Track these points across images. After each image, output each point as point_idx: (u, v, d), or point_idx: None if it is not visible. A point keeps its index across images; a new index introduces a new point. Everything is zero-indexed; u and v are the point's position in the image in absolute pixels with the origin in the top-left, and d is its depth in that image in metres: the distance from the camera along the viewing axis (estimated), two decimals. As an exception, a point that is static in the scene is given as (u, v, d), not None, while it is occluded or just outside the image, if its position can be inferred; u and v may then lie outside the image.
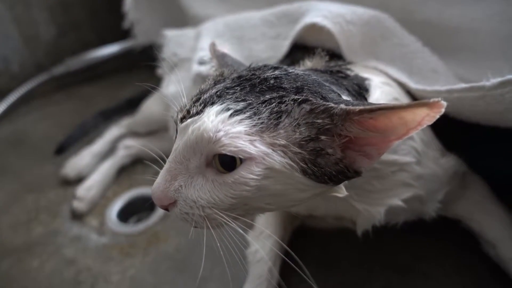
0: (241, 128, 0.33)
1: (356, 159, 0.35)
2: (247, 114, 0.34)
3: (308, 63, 0.48)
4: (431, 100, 0.30)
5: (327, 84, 0.39)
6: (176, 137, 0.39)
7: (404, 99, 0.52)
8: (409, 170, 0.46)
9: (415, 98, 0.54)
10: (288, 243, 0.60)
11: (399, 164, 0.45)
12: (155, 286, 0.64)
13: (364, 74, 0.48)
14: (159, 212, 0.77)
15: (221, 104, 0.35)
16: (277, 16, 0.68)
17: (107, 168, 0.86)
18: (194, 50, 0.74)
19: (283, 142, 0.34)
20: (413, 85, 0.53)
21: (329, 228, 0.57)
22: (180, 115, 0.38)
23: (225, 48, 0.69)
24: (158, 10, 1.02)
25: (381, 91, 0.46)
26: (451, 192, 0.53)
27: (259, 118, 0.34)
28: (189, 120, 0.36)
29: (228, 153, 0.33)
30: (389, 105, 0.32)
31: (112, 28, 1.15)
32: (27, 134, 1.07)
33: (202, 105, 0.36)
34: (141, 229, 0.75)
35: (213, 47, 0.47)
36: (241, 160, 0.34)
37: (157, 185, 0.36)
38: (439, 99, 0.30)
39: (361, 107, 0.33)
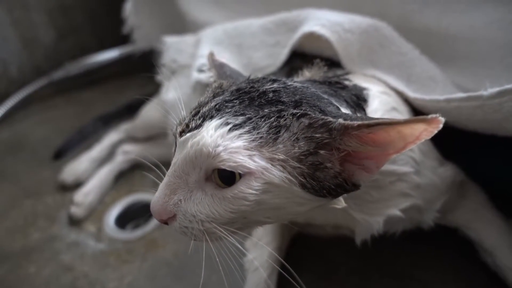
0: (240, 143, 0.33)
1: (355, 173, 0.36)
2: (246, 128, 0.34)
3: (306, 74, 0.48)
4: (429, 116, 0.30)
5: (325, 96, 0.39)
6: (175, 150, 0.39)
7: (402, 108, 0.52)
8: (407, 180, 0.46)
9: (413, 107, 0.54)
10: (286, 251, 0.60)
11: (397, 174, 0.45)
12: (153, 293, 0.63)
13: (362, 83, 0.48)
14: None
15: (220, 118, 0.35)
16: (276, 24, 0.69)
17: (105, 173, 0.86)
18: (193, 57, 0.74)
19: (282, 156, 0.34)
20: (411, 94, 0.53)
21: (327, 236, 0.57)
22: (179, 129, 0.38)
23: (224, 55, 0.69)
24: (157, 15, 1.03)
25: (379, 101, 0.47)
26: (449, 201, 0.53)
27: (258, 133, 0.34)
28: (188, 134, 0.36)
29: (228, 168, 0.33)
30: (387, 120, 0.32)
31: (112, 33, 1.15)
32: (26, 139, 1.07)
33: (201, 119, 0.36)
34: (139, 235, 0.74)
35: (211, 57, 0.48)
36: (240, 175, 0.34)
37: (156, 199, 0.36)
38: (438, 115, 0.30)
39: (360, 122, 0.33)
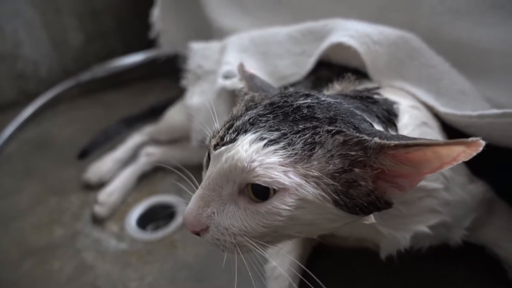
0: (275, 159, 0.34)
1: (387, 190, 0.35)
2: (281, 144, 0.34)
3: (337, 87, 0.48)
4: (470, 139, 0.30)
5: (358, 112, 0.39)
6: (207, 162, 0.39)
7: (433, 123, 0.51)
8: (436, 196, 0.45)
9: (443, 121, 0.54)
10: (308, 261, 0.60)
11: (427, 190, 0.45)
12: (172, 295, 0.64)
13: (392, 97, 0.48)
14: (178, 220, 0.78)
15: (254, 133, 0.35)
16: (302, 33, 0.69)
17: (128, 174, 0.88)
18: (219, 63, 0.75)
19: (316, 173, 0.34)
20: (441, 108, 0.53)
21: (350, 247, 0.56)
22: (213, 142, 0.38)
23: (249, 63, 0.70)
24: (184, 21, 1.05)
25: (409, 116, 0.46)
26: (478, 218, 0.52)
27: (293, 149, 0.34)
28: (222, 148, 0.36)
29: (262, 184, 0.34)
30: (426, 142, 0.32)
31: (138, 37, 1.18)
32: (53, 138, 1.10)
33: (236, 132, 0.36)
34: (160, 237, 0.76)
35: (241, 68, 0.48)
36: (275, 190, 0.34)
37: (190, 211, 0.37)
38: (478, 138, 0.30)
39: (397, 142, 0.32)
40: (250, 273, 0.40)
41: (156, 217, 0.82)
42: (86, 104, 1.25)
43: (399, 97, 0.50)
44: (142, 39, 1.13)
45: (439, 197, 0.46)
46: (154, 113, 1.01)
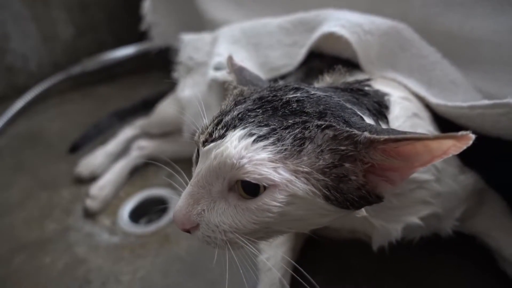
0: (265, 155, 0.33)
1: (378, 184, 0.35)
2: (271, 140, 0.34)
3: (327, 79, 0.47)
4: (460, 133, 0.30)
5: (349, 105, 0.39)
6: (196, 158, 0.39)
7: (424, 114, 0.51)
8: (428, 188, 0.46)
9: (435, 111, 0.54)
10: (299, 252, 0.60)
11: (418, 182, 0.45)
12: (165, 288, 0.64)
13: (383, 88, 0.48)
14: (171, 214, 0.77)
15: (243, 129, 0.35)
16: (293, 24, 0.69)
17: (120, 168, 0.87)
18: (210, 55, 0.75)
19: (306, 169, 0.33)
20: (433, 99, 0.53)
21: (342, 239, 0.57)
22: (202, 138, 0.37)
23: (240, 54, 0.69)
24: (175, 13, 1.03)
25: (400, 107, 0.46)
26: (468, 208, 0.52)
27: (282, 145, 0.33)
28: (211, 145, 0.36)
29: (252, 181, 0.33)
30: (415, 136, 0.32)
31: (129, 30, 1.17)
32: (43, 132, 1.09)
33: (225, 128, 0.36)
34: (152, 230, 0.75)
35: (230, 60, 0.47)
36: (265, 187, 0.34)
37: (180, 209, 0.36)
38: (468, 132, 0.29)
39: (386, 137, 0.32)
40: (240, 269, 0.40)
41: (148, 211, 0.81)
42: (76, 98, 1.23)
43: (390, 88, 0.49)
44: (133, 32, 1.11)
45: (430, 189, 0.46)
46: (147, 106, 1.00)
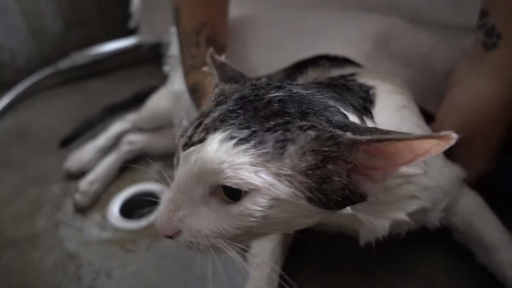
0: (246, 159, 0.32)
1: (361, 183, 0.35)
2: (252, 143, 0.33)
3: (311, 74, 0.46)
4: (442, 133, 0.30)
5: (332, 102, 0.38)
6: (177, 161, 0.38)
7: (412, 105, 0.51)
8: (415, 182, 0.45)
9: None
10: (289, 245, 0.60)
11: (406, 176, 0.44)
12: (157, 283, 0.64)
13: (370, 81, 0.47)
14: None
15: (224, 131, 0.34)
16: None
17: (110, 162, 0.86)
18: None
19: (289, 171, 0.33)
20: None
21: (330, 233, 0.57)
22: (182, 142, 0.36)
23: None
24: (165, 9, 1.02)
25: (387, 101, 0.45)
26: (451, 200, 0.52)
27: (264, 147, 0.33)
28: (191, 149, 0.35)
29: (233, 186, 0.33)
30: (397, 136, 0.31)
31: (119, 23, 1.14)
32: (32, 127, 1.07)
33: (205, 131, 0.35)
34: (143, 225, 0.75)
35: (212, 56, 0.45)
36: (246, 191, 0.33)
37: (161, 215, 0.36)
38: (451, 132, 0.29)
39: (369, 137, 0.32)
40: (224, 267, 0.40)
41: (139, 205, 0.81)
42: (66, 92, 1.22)
43: (379, 81, 0.49)
44: (124, 25, 1.09)
45: (418, 183, 0.45)
46: (138, 100, 0.98)
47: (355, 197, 0.35)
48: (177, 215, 0.35)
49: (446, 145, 0.30)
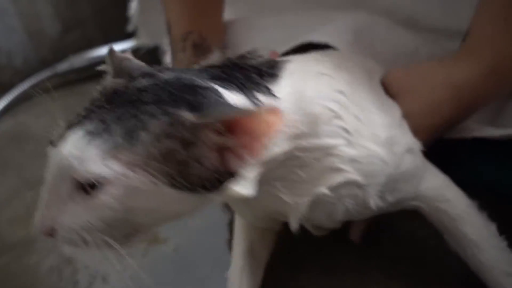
0: (94, 151, 0.32)
1: (229, 161, 0.34)
2: (103, 135, 0.32)
3: (214, 58, 0.43)
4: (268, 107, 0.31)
5: (207, 84, 0.36)
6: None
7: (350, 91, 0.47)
8: (337, 154, 0.41)
9: None
10: (269, 248, 0.58)
11: (323, 149, 0.41)
12: (154, 287, 0.63)
13: (300, 62, 0.46)
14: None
15: (80, 127, 0.34)
16: None
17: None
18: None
19: (141, 159, 0.32)
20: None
21: (278, 228, 0.56)
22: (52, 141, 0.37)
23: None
24: (162, 13, 1.02)
25: (296, 73, 0.42)
26: (404, 176, 0.47)
27: (114, 138, 0.32)
28: (53, 148, 0.35)
29: (82, 180, 0.33)
30: (241, 110, 0.32)
31: (118, 26, 1.15)
32: (29, 130, 1.07)
33: (67, 130, 0.35)
34: (140, 229, 0.75)
35: (111, 54, 0.42)
36: (99, 184, 0.33)
37: (36, 216, 0.36)
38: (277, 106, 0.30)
39: (212, 119, 0.33)
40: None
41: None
42: (63, 95, 1.19)
43: (314, 63, 0.47)
44: (122, 28, 1.10)
45: (340, 154, 0.41)
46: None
47: (223, 177, 0.34)
48: (49, 214, 0.35)
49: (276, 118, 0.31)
